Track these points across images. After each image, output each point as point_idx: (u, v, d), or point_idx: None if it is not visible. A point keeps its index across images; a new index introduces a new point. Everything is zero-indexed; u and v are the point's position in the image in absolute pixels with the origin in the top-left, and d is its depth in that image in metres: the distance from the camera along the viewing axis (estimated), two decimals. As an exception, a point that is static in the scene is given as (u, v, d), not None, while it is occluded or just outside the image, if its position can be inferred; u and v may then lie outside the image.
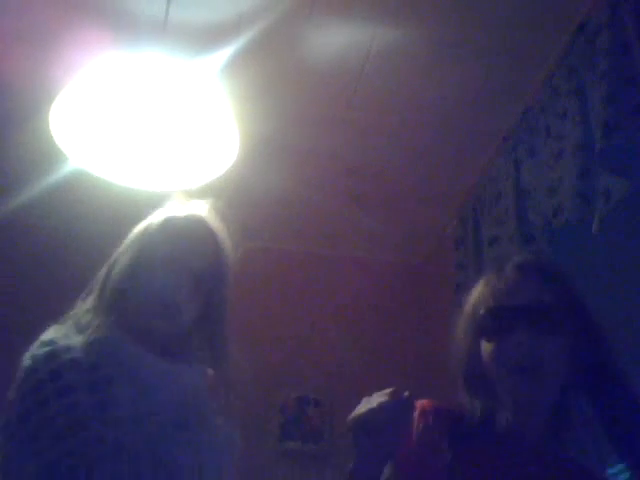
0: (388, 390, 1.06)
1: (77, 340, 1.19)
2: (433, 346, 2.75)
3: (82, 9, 1.89)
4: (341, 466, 1.13)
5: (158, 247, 1.29)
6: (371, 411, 1.03)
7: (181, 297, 1.26)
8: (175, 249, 1.29)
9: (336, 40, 2.04)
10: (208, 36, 1.98)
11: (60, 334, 1.21)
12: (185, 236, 1.31)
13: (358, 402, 1.13)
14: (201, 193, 2.35)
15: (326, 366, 2.86)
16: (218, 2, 1.90)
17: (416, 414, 1.12)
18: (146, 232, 1.32)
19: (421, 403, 1.17)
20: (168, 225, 1.32)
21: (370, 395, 1.08)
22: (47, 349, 1.16)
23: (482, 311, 1.14)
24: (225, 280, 1.34)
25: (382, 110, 2.28)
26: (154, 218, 1.34)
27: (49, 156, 2.25)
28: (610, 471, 1.79)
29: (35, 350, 1.17)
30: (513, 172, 2.17)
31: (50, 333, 1.21)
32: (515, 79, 2.13)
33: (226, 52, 2.00)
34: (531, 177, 2.06)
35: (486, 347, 1.13)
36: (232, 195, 2.61)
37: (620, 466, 1.73)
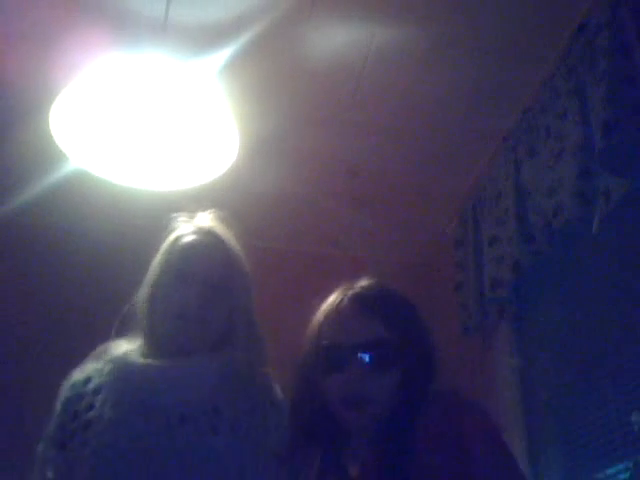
0: None
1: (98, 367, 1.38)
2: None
3: (82, 9, 1.90)
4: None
5: (172, 265, 1.39)
6: None
7: (199, 307, 1.35)
8: (188, 264, 1.38)
9: (335, 40, 2.04)
10: (208, 36, 1.98)
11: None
12: (195, 249, 1.41)
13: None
14: (201, 193, 2.37)
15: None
16: (218, 3, 1.90)
17: None
18: (160, 255, 1.42)
19: None
20: (178, 243, 1.41)
21: None
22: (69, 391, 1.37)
23: (322, 343, 1.21)
24: (243, 281, 1.43)
25: (382, 110, 2.28)
26: (166, 241, 1.44)
27: (49, 156, 2.25)
28: (609, 471, 1.79)
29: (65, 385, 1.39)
30: (513, 172, 2.17)
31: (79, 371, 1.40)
32: (515, 79, 2.13)
33: (226, 52, 2.00)
34: (531, 177, 2.06)
35: (324, 379, 1.20)
36: (232, 195, 2.63)
37: (619, 466, 1.74)
